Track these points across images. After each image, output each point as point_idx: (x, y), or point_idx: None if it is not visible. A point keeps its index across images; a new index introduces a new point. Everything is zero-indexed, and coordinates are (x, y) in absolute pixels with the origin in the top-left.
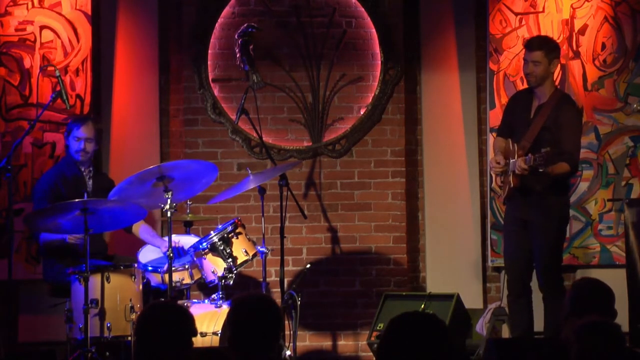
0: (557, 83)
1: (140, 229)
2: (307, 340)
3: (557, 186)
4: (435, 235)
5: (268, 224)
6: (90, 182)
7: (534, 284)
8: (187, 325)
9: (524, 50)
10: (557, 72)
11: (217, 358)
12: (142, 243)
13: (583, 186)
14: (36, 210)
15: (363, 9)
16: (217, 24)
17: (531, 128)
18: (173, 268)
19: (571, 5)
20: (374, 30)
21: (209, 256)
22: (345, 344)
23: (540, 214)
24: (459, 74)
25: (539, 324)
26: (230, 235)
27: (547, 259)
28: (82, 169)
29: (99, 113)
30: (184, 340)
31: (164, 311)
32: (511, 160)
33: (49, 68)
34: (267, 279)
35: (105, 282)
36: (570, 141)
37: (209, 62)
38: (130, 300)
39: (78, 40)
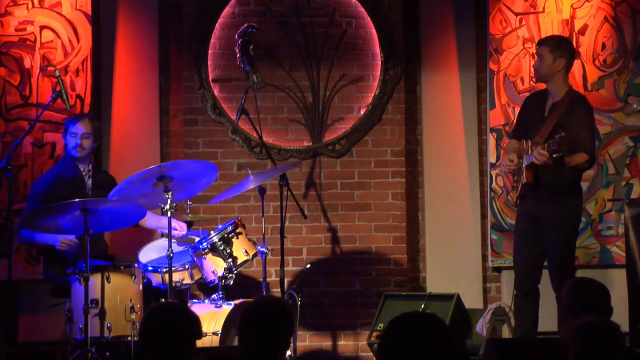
0: None
1: (146, 219)
2: (307, 340)
3: (571, 184)
4: (435, 235)
5: (268, 224)
6: (89, 182)
7: (545, 286)
8: (192, 327)
9: (525, 50)
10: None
11: (224, 358)
12: (142, 243)
13: (583, 186)
14: (35, 211)
15: (363, 9)
16: (217, 24)
17: (545, 125)
18: (173, 268)
19: (571, 5)
20: (374, 30)
21: (209, 256)
22: (345, 344)
23: (553, 210)
24: (459, 74)
25: (542, 324)
26: (230, 235)
27: (560, 257)
28: (82, 168)
29: (99, 113)
30: (187, 343)
31: (169, 313)
32: (525, 156)
33: (49, 68)
34: (267, 279)
35: (106, 282)
36: (585, 133)
37: (209, 62)
38: (131, 300)
39: (78, 40)
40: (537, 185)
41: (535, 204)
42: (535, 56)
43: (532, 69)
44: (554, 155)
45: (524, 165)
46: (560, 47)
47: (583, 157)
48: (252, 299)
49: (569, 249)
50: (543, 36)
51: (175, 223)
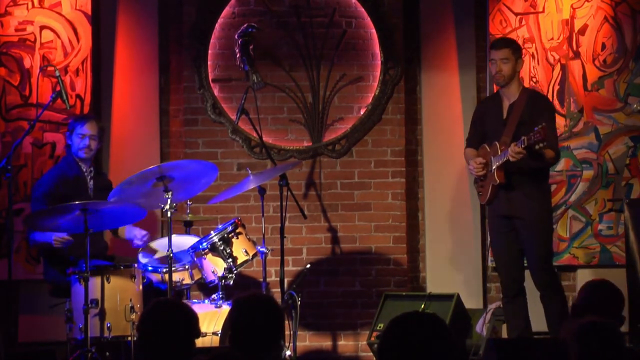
0: (557, 83)
1: (124, 229)
2: (307, 340)
3: (540, 180)
4: (435, 235)
5: (268, 224)
6: (91, 183)
7: (529, 284)
8: (191, 325)
9: (525, 50)
10: (557, 73)
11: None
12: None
13: (583, 186)
14: (36, 212)
15: (363, 9)
16: (217, 24)
17: (508, 125)
18: (173, 268)
19: (571, 5)
20: (374, 31)
21: (209, 256)
22: (345, 344)
23: (525, 208)
24: (459, 74)
25: (537, 324)
26: (230, 235)
27: (539, 255)
28: (84, 169)
29: (99, 113)
30: (186, 341)
31: (169, 310)
32: (492, 159)
33: (49, 68)
34: (267, 279)
35: (105, 282)
36: (549, 130)
37: (209, 62)
38: (130, 300)
39: (78, 40)
40: (509, 185)
41: (507, 205)
42: (497, 61)
43: (494, 74)
44: (537, 146)
45: (493, 167)
46: (518, 49)
47: (551, 153)
48: (234, 298)
49: (546, 244)
50: (542, 37)
51: (137, 231)
